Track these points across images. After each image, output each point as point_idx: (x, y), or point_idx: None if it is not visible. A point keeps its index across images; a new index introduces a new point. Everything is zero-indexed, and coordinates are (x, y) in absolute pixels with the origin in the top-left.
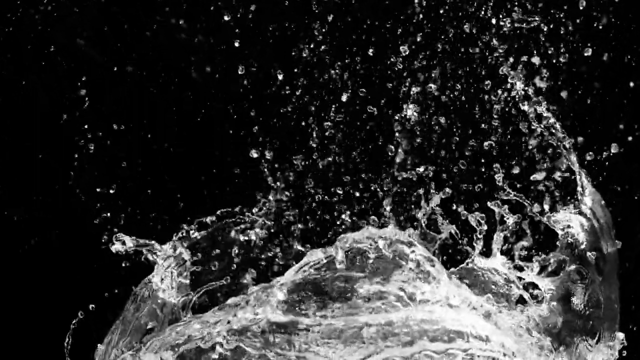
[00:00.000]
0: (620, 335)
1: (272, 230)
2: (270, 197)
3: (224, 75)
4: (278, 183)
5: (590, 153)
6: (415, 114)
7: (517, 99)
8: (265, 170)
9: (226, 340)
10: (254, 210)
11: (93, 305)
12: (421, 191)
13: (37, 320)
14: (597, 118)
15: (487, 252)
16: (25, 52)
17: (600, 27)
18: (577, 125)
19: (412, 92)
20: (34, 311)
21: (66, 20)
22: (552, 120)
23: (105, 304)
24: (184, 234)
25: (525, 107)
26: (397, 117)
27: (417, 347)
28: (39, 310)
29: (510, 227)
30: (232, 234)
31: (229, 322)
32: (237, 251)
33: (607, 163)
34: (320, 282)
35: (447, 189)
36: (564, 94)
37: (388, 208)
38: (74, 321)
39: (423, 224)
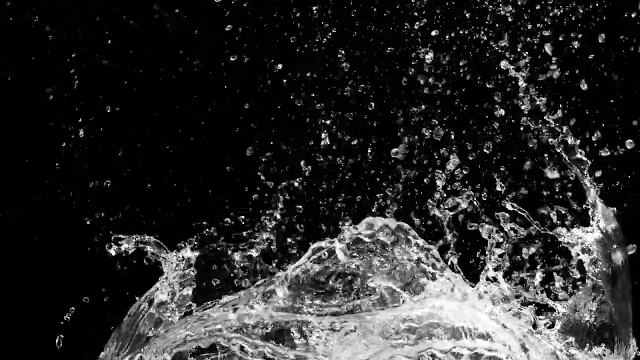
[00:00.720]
0: (634, 342)
1: (273, 242)
2: (272, 209)
3: (224, 73)
4: (279, 194)
5: (606, 149)
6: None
7: (521, 104)
8: (263, 176)
9: (226, 338)
10: (261, 216)
11: (87, 298)
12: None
13: (36, 320)
14: (614, 112)
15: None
16: (25, 52)
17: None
18: (593, 119)
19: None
20: (33, 312)
21: (66, 19)
22: (553, 119)
23: (104, 303)
24: (186, 247)
25: (525, 106)
26: (402, 113)
27: (423, 346)
28: (37, 311)
29: (512, 242)
30: (230, 252)
31: (229, 320)
32: (237, 269)
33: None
34: (322, 278)
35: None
36: (583, 86)
37: (394, 209)
38: (66, 315)
39: (440, 187)
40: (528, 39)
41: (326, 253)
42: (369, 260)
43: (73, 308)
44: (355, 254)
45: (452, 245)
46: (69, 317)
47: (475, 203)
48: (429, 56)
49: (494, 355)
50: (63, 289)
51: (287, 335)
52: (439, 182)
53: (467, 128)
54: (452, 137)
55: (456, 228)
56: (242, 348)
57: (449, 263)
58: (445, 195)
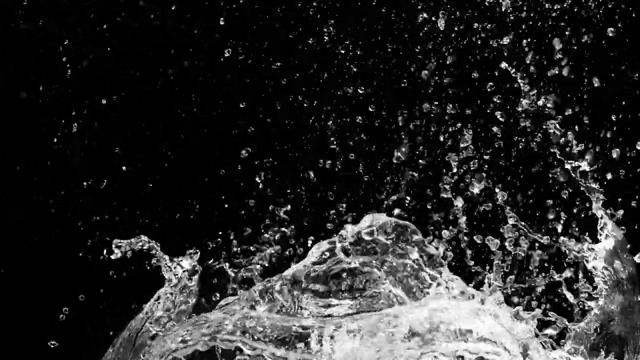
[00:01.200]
0: None
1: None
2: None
3: (225, 74)
4: (281, 208)
5: (617, 149)
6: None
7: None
8: (262, 182)
9: (225, 341)
10: (263, 229)
11: (82, 296)
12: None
13: (36, 320)
14: (628, 111)
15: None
16: (25, 52)
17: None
18: (606, 118)
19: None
20: (33, 312)
21: (66, 19)
22: (558, 122)
23: (102, 304)
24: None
25: (524, 102)
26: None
27: (426, 349)
28: (37, 311)
29: (517, 256)
30: (230, 270)
31: (228, 322)
32: (236, 285)
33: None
34: (323, 278)
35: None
36: (595, 82)
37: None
38: (61, 315)
39: (454, 163)
40: (541, 20)
41: (327, 253)
42: (371, 260)
43: (66, 309)
44: (358, 250)
45: (464, 232)
46: (63, 317)
47: (486, 182)
48: (442, 23)
49: (497, 359)
50: (63, 289)
51: (288, 337)
52: (453, 163)
53: (472, 131)
54: (467, 111)
55: (468, 215)
56: (241, 350)
57: (463, 245)
58: (457, 176)
